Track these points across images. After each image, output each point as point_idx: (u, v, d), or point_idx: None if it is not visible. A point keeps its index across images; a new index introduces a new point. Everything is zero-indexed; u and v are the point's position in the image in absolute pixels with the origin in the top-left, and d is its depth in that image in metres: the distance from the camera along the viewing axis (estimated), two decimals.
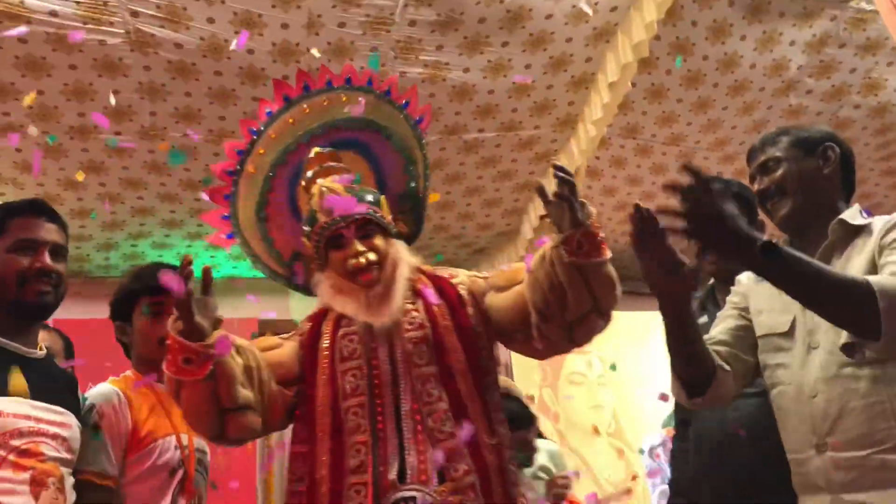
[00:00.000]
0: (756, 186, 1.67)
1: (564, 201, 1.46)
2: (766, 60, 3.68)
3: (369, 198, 1.77)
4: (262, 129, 1.91)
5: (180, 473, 1.86)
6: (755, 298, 1.70)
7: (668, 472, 5.02)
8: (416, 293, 1.69)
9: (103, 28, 3.04)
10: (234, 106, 3.50)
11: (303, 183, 1.86)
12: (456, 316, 1.66)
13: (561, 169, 1.46)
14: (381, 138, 1.95)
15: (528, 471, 3.03)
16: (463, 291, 1.70)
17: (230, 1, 3.00)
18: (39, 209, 1.74)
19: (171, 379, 1.45)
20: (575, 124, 3.85)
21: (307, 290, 1.89)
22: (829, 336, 1.48)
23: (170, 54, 3.19)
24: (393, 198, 1.89)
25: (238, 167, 1.92)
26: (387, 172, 1.98)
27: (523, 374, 4.61)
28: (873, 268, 1.46)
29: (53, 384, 1.68)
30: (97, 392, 1.87)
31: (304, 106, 1.90)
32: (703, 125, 4.07)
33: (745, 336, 1.66)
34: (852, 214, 1.57)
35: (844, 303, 1.32)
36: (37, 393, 1.59)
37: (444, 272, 1.78)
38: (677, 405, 2.14)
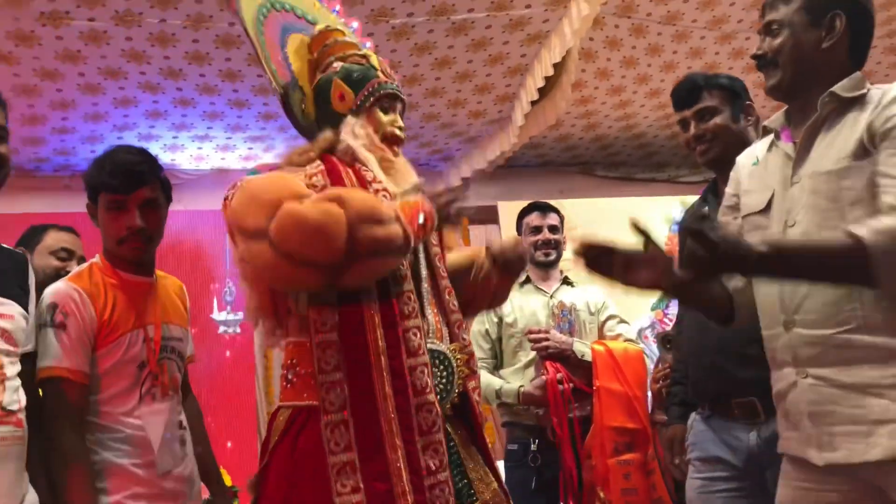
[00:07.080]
0: (756, 49, 1.61)
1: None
2: None
3: None
4: None
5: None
6: (745, 180, 1.68)
7: (655, 353, 5.14)
8: None
9: None
10: None
11: (315, 55, 1.86)
12: None
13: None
14: None
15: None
16: None
17: None
18: None
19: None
20: (567, 2, 3.69)
21: (296, 119, 1.87)
22: (809, 215, 1.46)
23: None
24: None
25: None
26: None
27: None
28: (861, 149, 1.41)
29: None
30: (55, 290, 1.82)
31: None
32: (700, 2, 3.91)
33: None
34: (848, 86, 1.51)
35: (846, 278, 1.36)
36: None
37: None
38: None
